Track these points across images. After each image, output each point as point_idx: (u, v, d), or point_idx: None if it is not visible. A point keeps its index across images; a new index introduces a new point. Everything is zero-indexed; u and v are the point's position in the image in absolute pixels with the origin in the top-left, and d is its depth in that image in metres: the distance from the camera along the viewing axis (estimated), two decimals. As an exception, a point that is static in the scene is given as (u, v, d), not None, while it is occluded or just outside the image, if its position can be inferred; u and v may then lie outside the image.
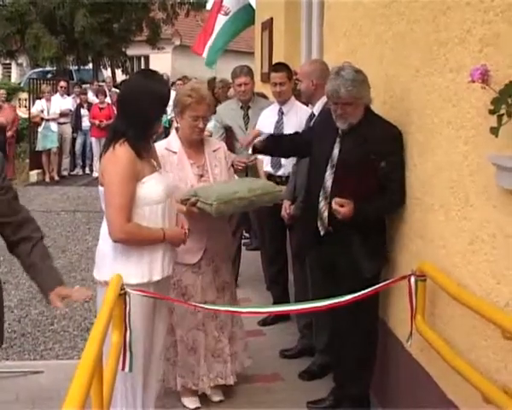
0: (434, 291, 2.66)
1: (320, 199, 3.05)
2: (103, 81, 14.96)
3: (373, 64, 3.58)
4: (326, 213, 3.02)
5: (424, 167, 2.83)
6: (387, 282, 2.84)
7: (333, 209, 2.90)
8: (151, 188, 2.59)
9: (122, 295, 2.42)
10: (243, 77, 4.85)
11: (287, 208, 3.86)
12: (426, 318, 2.71)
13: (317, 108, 3.80)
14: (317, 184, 3.07)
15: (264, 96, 5.71)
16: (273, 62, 6.11)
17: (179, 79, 11.15)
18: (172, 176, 3.02)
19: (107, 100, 11.89)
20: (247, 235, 6.77)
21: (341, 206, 2.87)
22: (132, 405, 2.73)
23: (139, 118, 2.56)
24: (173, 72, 19.93)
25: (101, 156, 2.67)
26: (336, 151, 3.03)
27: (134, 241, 2.60)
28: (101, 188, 2.62)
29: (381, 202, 2.96)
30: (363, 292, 2.67)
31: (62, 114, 11.48)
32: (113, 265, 2.60)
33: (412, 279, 2.68)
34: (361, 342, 3.08)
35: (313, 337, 3.79)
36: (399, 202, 2.98)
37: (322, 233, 3.06)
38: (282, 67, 4.43)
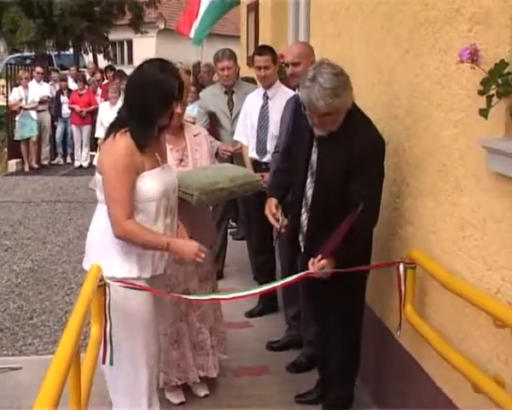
0: (424, 279, 2.66)
1: (302, 211, 2.87)
2: (85, 67, 14.80)
3: (360, 46, 3.56)
4: (306, 224, 2.86)
5: (413, 152, 2.82)
6: (373, 264, 2.84)
7: (312, 270, 2.64)
8: (146, 185, 2.52)
9: (101, 287, 2.39)
10: (226, 61, 4.80)
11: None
12: (416, 306, 2.71)
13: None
14: (299, 193, 2.88)
15: (253, 81, 5.66)
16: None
17: None
18: (177, 172, 2.90)
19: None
20: (233, 224, 6.75)
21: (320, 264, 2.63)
22: (136, 403, 2.64)
23: (143, 110, 2.46)
24: (158, 57, 19.77)
25: (103, 142, 2.59)
26: (315, 157, 2.80)
27: (133, 241, 2.52)
28: (98, 176, 2.53)
29: (357, 234, 2.62)
30: (348, 269, 2.64)
31: (40, 102, 11.35)
32: (100, 255, 2.54)
33: (401, 267, 2.68)
34: (346, 341, 3.02)
35: (301, 328, 3.79)
36: (372, 220, 2.75)
37: (302, 249, 2.90)
38: (266, 50, 4.39)
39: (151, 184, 2.53)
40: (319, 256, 2.63)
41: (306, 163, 2.83)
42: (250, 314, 4.52)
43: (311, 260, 2.66)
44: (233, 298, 2.60)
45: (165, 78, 2.49)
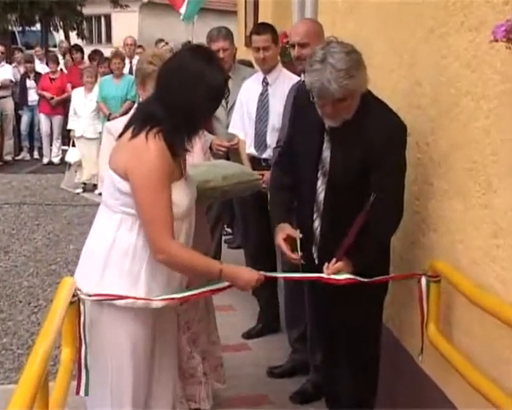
0: (450, 294, 2.67)
1: (314, 216, 2.86)
2: (54, 46, 14.78)
3: (377, 25, 3.57)
4: (319, 234, 2.85)
5: (438, 146, 2.83)
6: (391, 276, 2.84)
7: (327, 277, 2.66)
8: (173, 200, 2.46)
9: (74, 303, 2.38)
10: (221, 41, 4.80)
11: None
12: (440, 326, 2.71)
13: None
14: (309, 197, 2.87)
15: (250, 65, 5.66)
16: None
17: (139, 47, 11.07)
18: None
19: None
20: (229, 230, 6.76)
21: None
22: None
23: (182, 109, 2.39)
24: (141, 35, 19.82)
25: (121, 135, 2.51)
26: (327, 154, 2.79)
27: (177, 265, 2.49)
28: (115, 177, 2.44)
29: (375, 233, 2.70)
30: (365, 279, 2.65)
31: (1, 86, 11.30)
32: (104, 274, 2.48)
33: (423, 280, 2.69)
34: (359, 367, 3.01)
35: (307, 352, 3.78)
36: (394, 216, 2.78)
37: (316, 261, 2.88)
38: (265, 28, 4.40)
39: (179, 197, 2.47)
40: (333, 260, 2.66)
41: (316, 162, 2.82)
42: (248, 335, 4.52)
43: (326, 264, 2.69)
44: (228, 287, 2.58)
45: (213, 73, 2.41)
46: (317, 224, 2.87)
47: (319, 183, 2.83)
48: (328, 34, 3.66)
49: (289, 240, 2.80)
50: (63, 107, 11.12)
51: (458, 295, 2.55)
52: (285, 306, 4.19)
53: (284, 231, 2.83)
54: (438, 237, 2.84)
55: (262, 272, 2.60)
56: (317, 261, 2.88)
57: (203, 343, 3.37)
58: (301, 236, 2.79)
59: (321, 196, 2.83)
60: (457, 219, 2.67)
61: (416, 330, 2.82)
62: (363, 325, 2.93)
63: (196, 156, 3.29)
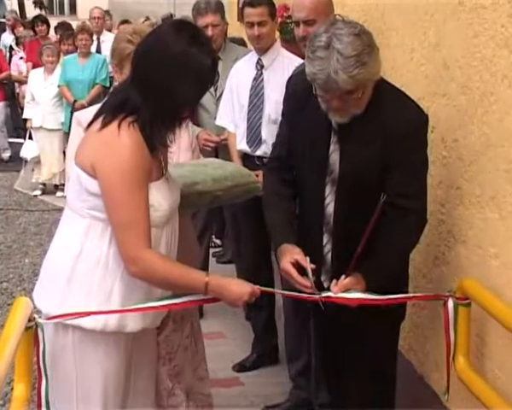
0: (482, 320, 2.67)
1: (322, 233, 2.85)
2: (4, 17, 14.72)
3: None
4: (330, 257, 2.85)
5: (468, 143, 2.83)
6: (411, 296, 2.84)
7: (336, 296, 2.67)
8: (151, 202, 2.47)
9: (31, 329, 2.37)
10: (210, 15, 4.81)
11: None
12: (471, 359, 2.71)
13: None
14: (315, 210, 2.86)
15: (244, 44, 5.67)
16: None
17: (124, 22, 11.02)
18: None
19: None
20: (217, 242, 6.76)
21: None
22: None
23: (162, 96, 2.42)
24: (111, 6, 19.85)
25: (90, 123, 2.53)
26: (336, 157, 2.76)
27: (153, 279, 2.49)
28: (81, 173, 2.46)
29: (394, 245, 2.71)
30: (376, 297, 2.65)
31: None
32: (69, 290, 2.49)
33: (450, 303, 2.68)
34: (371, 405, 2.99)
35: (311, 388, 3.79)
36: (419, 226, 2.77)
37: (325, 285, 2.83)
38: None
39: (158, 200, 2.49)
40: (343, 276, 2.67)
41: (323, 167, 2.79)
42: (240, 367, 4.53)
43: (334, 281, 2.69)
44: (215, 300, 2.59)
45: (199, 53, 2.44)
46: (325, 242, 2.85)
47: (327, 192, 2.81)
48: (338, 7, 3.69)
49: (297, 265, 2.77)
50: (3, 91, 11.00)
51: (492, 321, 2.56)
52: (285, 333, 4.19)
53: (292, 255, 2.79)
54: (467, 251, 2.84)
55: (257, 287, 2.60)
56: (325, 285, 2.85)
57: (188, 378, 3.36)
58: (314, 266, 2.74)
59: (330, 207, 2.81)
60: (491, 229, 2.67)
61: (442, 363, 2.83)
62: (375, 354, 2.92)
63: (183, 154, 3.29)
